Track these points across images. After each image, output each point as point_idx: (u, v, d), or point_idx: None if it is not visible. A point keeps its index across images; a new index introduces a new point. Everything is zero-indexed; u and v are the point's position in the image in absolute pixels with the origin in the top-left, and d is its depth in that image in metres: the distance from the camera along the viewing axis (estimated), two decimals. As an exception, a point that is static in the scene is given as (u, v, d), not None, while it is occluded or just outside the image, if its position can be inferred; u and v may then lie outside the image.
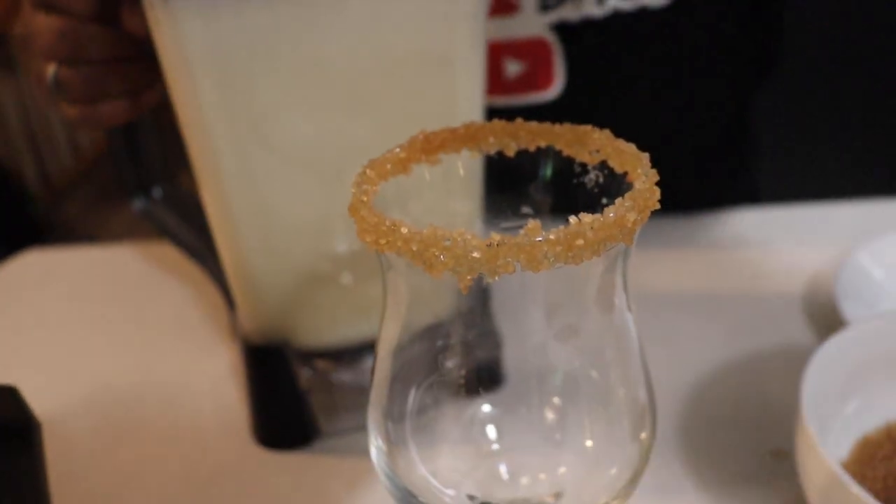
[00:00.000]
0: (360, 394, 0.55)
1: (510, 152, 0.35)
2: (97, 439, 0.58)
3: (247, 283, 0.52)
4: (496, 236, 0.27)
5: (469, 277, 0.27)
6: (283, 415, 0.55)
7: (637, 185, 0.30)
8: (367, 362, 0.54)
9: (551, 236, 0.27)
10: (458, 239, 0.27)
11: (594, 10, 0.73)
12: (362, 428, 0.48)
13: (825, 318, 0.64)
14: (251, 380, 0.56)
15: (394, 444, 0.37)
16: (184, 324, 0.71)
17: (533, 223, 0.27)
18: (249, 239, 0.50)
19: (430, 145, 0.34)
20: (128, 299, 0.77)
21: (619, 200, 0.28)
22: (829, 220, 0.77)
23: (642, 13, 0.73)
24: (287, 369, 0.54)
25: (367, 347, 0.54)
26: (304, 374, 0.54)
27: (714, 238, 0.76)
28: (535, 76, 0.74)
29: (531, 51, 0.73)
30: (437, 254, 0.27)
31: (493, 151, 0.35)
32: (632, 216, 0.28)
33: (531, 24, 0.73)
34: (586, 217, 0.27)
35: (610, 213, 0.28)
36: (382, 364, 0.35)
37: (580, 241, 0.26)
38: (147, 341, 0.70)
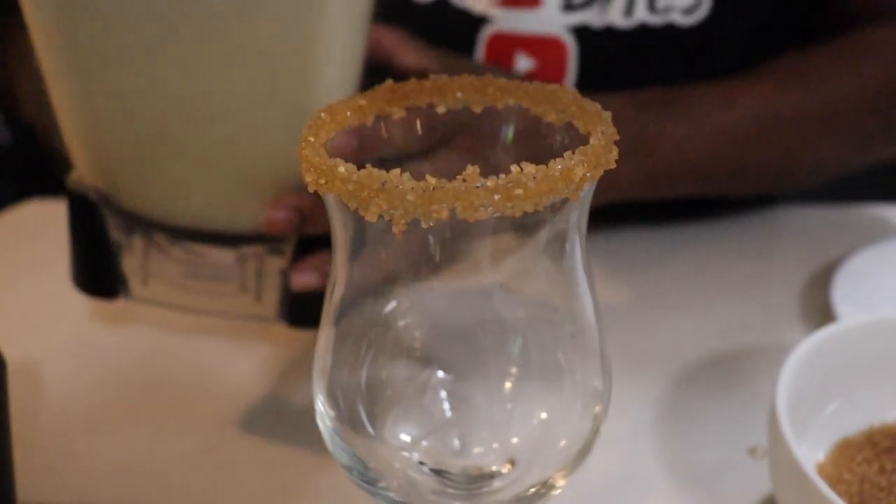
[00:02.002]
0: (179, 272, 0.54)
1: (477, 108, 0.34)
2: (67, 386, 0.58)
3: (86, 134, 0.51)
4: (432, 180, 0.26)
5: (403, 222, 0.26)
6: (90, 261, 0.55)
7: (592, 140, 0.28)
8: (199, 247, 0.53)
9: (489, 183, 0.26)
10: (394, 180, 0.26)
11: (619, 20, 0.71)
12: (177, 307, 0.54)
13: (820, 320, 0.62)
14: (69, 220, 0.55)
15: (342, 410, 0.36)
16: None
17: (471, 168, 0.26)
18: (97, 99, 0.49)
19: (394, 95, 0.33)
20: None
21: (567, 153, 0.27)
22: (831, 221, 0.76)
23: (669, 29, 0.71)
24: (100, 220, 0.53)
25: (207, 236, 0.53)
26: (124, 234, 0.54)
27: (715, 233, 0.75)
28: (546, 77, 0.72)
29: (546, 49, 0.71)
30: (371, 195, 0.26)
31: (459, 107, 0.34)
32: (580, 170, 0.27)
33: (551, 21, 0.71)
34: (529, 167, 0.26)
35: (556, 164, 0.27)
36: (327, 321, 0.34)
37: (519, 191, 0.25)
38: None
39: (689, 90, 0.67)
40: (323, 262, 0.51)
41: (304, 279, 0.52)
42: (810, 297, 0.66)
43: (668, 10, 0.70)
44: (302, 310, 0.53)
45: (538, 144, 0.34)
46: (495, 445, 0.38)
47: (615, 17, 0.70)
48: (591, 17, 0.71)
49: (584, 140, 0.32)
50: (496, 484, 0.36)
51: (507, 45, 0.71)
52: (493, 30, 0.72)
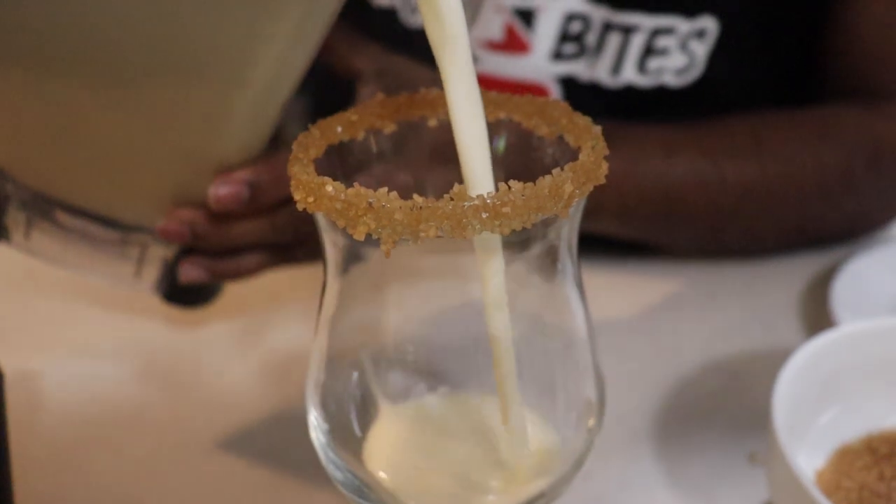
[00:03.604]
0: (63, 234, 0.55)
1: (468, 122, 0.34)
2: (65, 397, 0.58)
3: None
4: (419, 199, 0.25)
5: (391, 241, 0.26)
6: None
7: (582, 156, 0.28)
8: (86, 222, 0.54)
9: (477, 202, 0.25)
10: (381, 199, 0.26)
11: (606, 78, 0.69)
12: (57, 262, 0.56)
13: (819, 324, 0.62)
14: None
15: (336, 424, 0.36)
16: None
17: (458, 187, 0.26)
18: None
19: (386, 110, 0.33)
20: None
21: (556, 170, 0.27)
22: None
23: (658, 91, 0.70)
24: None
25: (96, 217, 0.54)
26: (13, 192, 0.54)
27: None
28: None
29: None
30: (358, 214, 0.26)
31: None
32: (568, 187, 0.26)
33: (538, 69, 0.69)
34: (517, 184, 0.26)
35: (545, 181, 0.26)
36: (320, 336, 0.34)
37: (507, 210, 0.25)
38: (136, 307, 0.69)
39: (635, 128, 0.64)
40: (212, 262, 0.53)
41: (193, 273, 0.53)
42: (809, 303, 0.65)
43: (659, 71, 0.69)
44: (181, 291, 0.56)
45: (529, 158, 0.33)
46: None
47: (602, 73, 0.69)
48: (579, 70, 0.69)
49: (575, 154, 0.32)
50: (491, 498, 0.36)
51: (490, 87, 0.69)
52: (477, 70, 0.70)
